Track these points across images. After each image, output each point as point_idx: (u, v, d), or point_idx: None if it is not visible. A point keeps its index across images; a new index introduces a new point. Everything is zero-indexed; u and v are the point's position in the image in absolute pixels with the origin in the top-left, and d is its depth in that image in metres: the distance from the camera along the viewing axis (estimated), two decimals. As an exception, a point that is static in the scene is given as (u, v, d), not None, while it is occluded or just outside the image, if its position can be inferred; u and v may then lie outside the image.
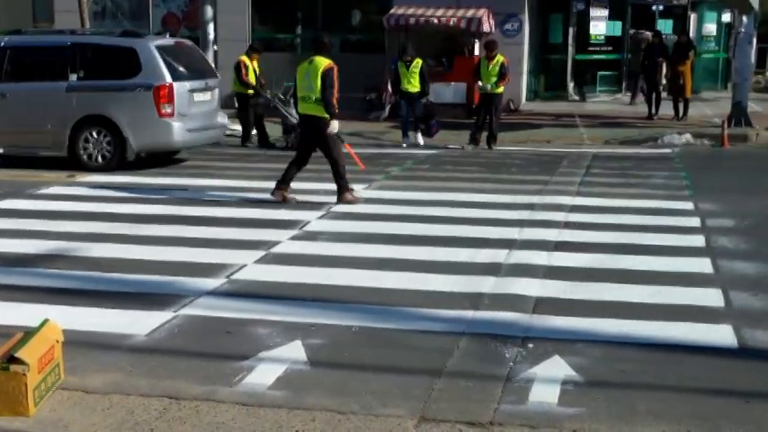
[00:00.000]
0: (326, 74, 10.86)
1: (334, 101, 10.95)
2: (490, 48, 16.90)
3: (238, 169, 14.14)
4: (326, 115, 10.92)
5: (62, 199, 11.46)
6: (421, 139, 17.04)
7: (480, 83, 16.71)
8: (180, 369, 5.63)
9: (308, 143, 11.33)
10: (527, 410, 5.03)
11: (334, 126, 11.09)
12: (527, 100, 23.52)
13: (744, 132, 18.11)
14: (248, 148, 17.08)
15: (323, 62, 10.96)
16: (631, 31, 24.54)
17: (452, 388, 5.35)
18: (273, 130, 17.55)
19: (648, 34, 22.74)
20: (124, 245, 8.91)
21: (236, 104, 17.42)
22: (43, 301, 6.95)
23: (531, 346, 6.05)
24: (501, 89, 16.78)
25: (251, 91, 17.14)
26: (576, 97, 24.22)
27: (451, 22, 20.86)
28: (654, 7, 25.24)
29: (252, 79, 17.17)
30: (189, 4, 24.38)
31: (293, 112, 16.74)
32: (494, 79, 16.50)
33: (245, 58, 17.30)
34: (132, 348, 6.01)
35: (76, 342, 5.83)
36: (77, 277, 7.79)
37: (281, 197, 11.10)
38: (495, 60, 16.61)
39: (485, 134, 16.88)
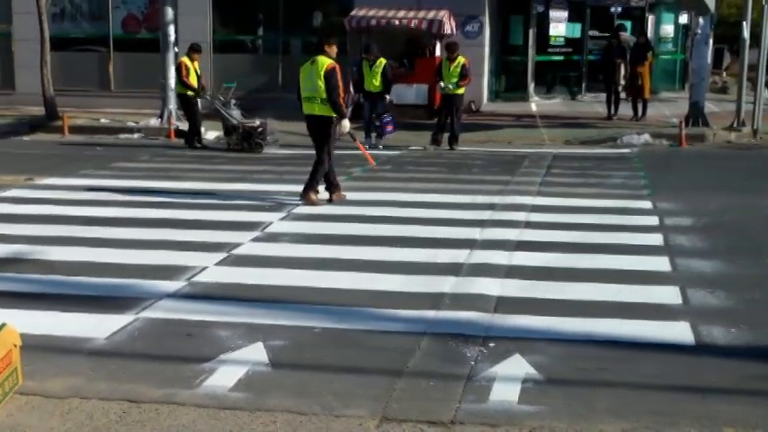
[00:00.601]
0: (329, 74, 10.83)
1: (341, 100, 10.99)
2: (451, 49, 16.98)
3: (199, 171, 14.07)
4: (332, 114, 10.95)
5: (20, 202, 11.34)
6: (380, 142, 17.06)
7: (442, 84, 16.77)
8: (140, 372, 5.59)
9: (318, 141, 11.26)
10: (488, 409, 5.06)
11: (346, 125, 11.23)
12: (488, 101, 23.63)
13: (701, 132, 18.33)
14: (201, 149, 17.16)
15: (325, 62, 10.93)
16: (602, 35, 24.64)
17: (414, 388, 5.37)
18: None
19: (622, 34, 22.91)
20: (83, 248, 8.83)
21: (181, 106, 17.43)
22: (1, 305, 6.88)
23: (492, 345, 6.08)
24: (462, 90, 16.86)
25: (191, 92, 17.19)
26: (537, 98, 24.37)
27: (413, 24, 20.91)
28: (612, 9, 25.47)
29: (193, 80, 17.23)
30: (149, 6, 24.19)
31: (234, 113, 16.86)
32: (455, 80, 16.57)
33: (185, 60, 17.38)
34: (92, 352, 5.96)
35: (35, 346, 5.78)
36: (36, 281, 7.72)
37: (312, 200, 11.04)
38: (456, 62, 16.68)
39: (446, 135, 16.95)
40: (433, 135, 17.07)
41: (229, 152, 16.61)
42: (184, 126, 18.08)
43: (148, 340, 6.22)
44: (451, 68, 16.68)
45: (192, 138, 17.46)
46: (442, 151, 16.62)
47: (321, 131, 11.12)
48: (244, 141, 16.68)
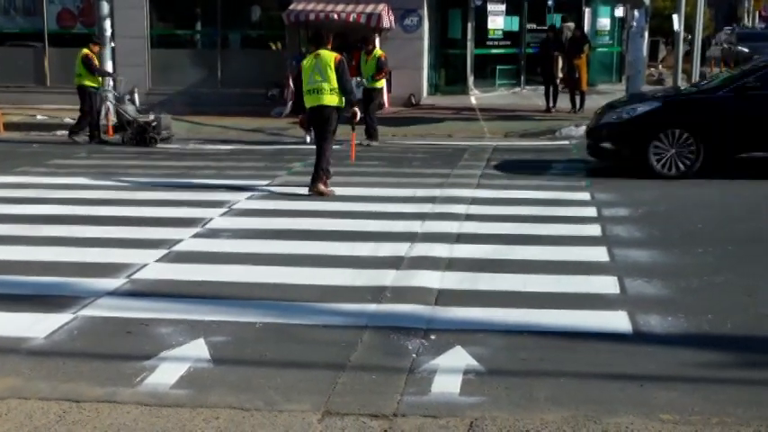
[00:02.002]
0: (340, 64, 11.39)
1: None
2: (367, 42, 17.04)
3: (138, 167, 13.92)
4: (340, 104, 11.42)
5: (-46, 201, 11.14)
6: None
7: (358, 78, 16.78)
8: (80, 371, 5.54)
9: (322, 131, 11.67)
10: (429, 401, 5.10)
11: (357, 112, 12.21)
12: (428, 94, 23.71)
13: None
14: (77, 142, 17.12)
15: (332, 55, 11.47)
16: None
17: (356, 381, 5.39)
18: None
19: (570, 25, 23.10)
20: (21, 246, 8.71)
21: (81, 98, 17.32)
22: (-65, 306, 6.77)
23: (433, 337, 6.13)
24: (380, 84, 16.88)
25: (95, 84, 17.06)
26: (477, 91, 24.52)
27: (351, 18, 20.91)
28: (549, 2, 25.71)
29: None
30: (84, 0, 23.85)
31: (128, 108, 16.82)
32: (371, 73, 16.56)
33: (89, 51, 17.17)
34: (30, 352, 5.89)
35: (-29, 347, 5.71)
36: (-29, 281, 7.60)
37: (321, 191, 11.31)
38: (372, 55, 16.68)
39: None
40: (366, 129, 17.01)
41: (124, 146, 16.62)
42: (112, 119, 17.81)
43: (88, 339, 6.16)
44: (368, 62, 16.69)
45: (78, 130, 17.28)
46: (382, 145, 16.61)
47: (327, 121, 11.43)
48: (138, 136, 16.70)
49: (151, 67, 23.12)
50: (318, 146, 11.54)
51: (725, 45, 37.35)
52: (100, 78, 17.38)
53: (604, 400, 5.08)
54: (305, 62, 11.64)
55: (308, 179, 12.05)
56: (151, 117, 17.11)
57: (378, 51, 16.79)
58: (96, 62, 17.23)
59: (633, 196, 11.02)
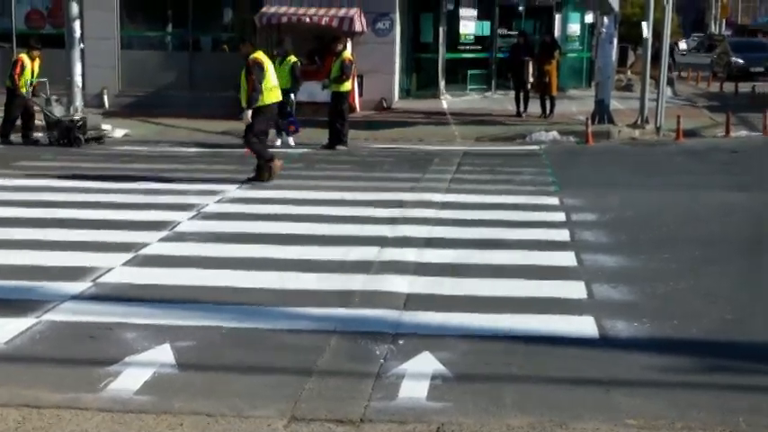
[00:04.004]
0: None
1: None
2: (334, 43, 16.92)
3: (105, 170, 13.79)
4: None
5: None
6: (291, 140, 16.88)
7: (326, 80, 16.74)
8: (41, 377, 5.47)
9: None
10: (396, 406, 5.09)
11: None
12: (400, 98, 23.69)
13: (607, 129, 18.67)
14: (11, 143, 16.96)
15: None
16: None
17: (323, 387, 5.36)
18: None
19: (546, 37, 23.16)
20: (-16, 250, 8.61)
21: (7, 98, 17.17)
22: None
23: (401, 342, 6.11)
24: (343, 88, 16.55)
25: (23, 87, 17.01)
26: (448, 95, 24.54)
27: (323, 21, 20.86)
28: (520, 8, 25.79)
29: (27, 77, 17.01)
30: (53, 1, 23.64)
31: (55, 109, 16.84)
32: (334, 75, 16.49)
33: (24, 57, 17.06)
34: (-7, 356, 5.83)
35: (-68, 352, 5.63)
36: (-66, 284, 7.49)
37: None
38: (337, 59, 16.57)
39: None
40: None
41: (52, 146, 16.54)
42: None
43: (51, 344, 6.09)
44: (334, 66, 16.60)
45: (7, 131, 17.17)
46: (353, 149, 16.56)
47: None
48: (64, 135, 16.72)
49: (121, 69, 22.92)
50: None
51: (715, 55, 37.23)
52: (27, 81, 17.13)
53: (570, 405, 5.09)
54: (269, 63, 12.80)
55: (279, 182, 12.08)
56: (77, 117, 17.14)
57: (345, 54, 16.63)
58: (20, 69, 16.91)
59: (601, 201, 11.06)
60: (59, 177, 12.88)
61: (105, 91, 22.39)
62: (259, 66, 12.25)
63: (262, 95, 12.31)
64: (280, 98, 12.97)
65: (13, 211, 10.35)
